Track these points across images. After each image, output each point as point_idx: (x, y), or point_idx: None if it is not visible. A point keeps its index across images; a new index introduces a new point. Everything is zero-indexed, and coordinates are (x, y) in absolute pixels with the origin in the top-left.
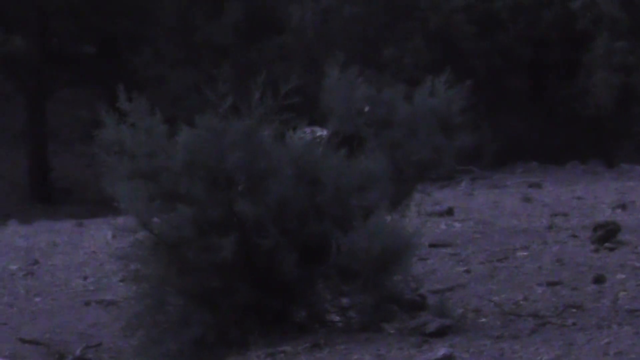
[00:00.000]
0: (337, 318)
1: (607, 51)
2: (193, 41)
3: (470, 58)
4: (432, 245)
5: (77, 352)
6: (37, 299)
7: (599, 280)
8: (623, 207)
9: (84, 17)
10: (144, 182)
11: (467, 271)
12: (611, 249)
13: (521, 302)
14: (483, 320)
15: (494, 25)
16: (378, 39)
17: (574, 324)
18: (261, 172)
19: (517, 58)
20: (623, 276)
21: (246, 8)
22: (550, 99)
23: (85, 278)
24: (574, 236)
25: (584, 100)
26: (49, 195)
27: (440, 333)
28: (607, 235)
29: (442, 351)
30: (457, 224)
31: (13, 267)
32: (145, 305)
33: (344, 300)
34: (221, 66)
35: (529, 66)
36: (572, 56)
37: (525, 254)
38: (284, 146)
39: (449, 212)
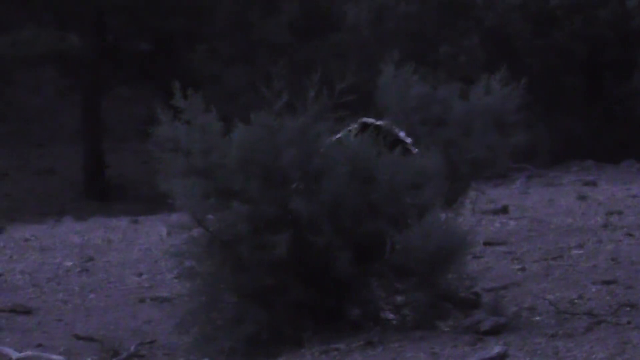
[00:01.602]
0: (391, 316)
1: None
2: (249, 39)
3: (525, 56)
4: (486, 244)
5: (132, 348)
6: (92, 296)
7: None
8: None
9: (139, 15)
10: (198, 179)
11: (522, 269)
12: None
13: (576, 301)
14: (537, 318)
15: (550, 23)
16: (433, 37)
17: (628, 322)
18: (316, 169)
19: (572, 56)
20: None
21: (302, 6)
22: (606, 98)
23: (139, 275)
24: (629, 235)
25: (639, 99)
26: (104, 192)
27: (495, 331)
28: None
29: (496, 349)
30: (511, 222)
31: (68, 263)
32: (199, 302)
33: (398, 299)
34: (277, 64)
35: (585, 65)
36: (628, 55)
37: (579, 252)
38: (339, 144)
39: (504, 210)
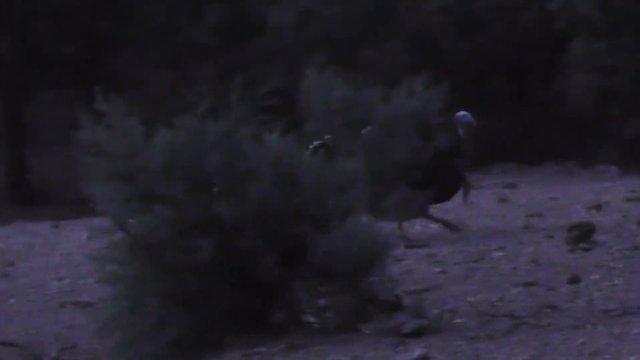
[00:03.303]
0: (313, 319)
1: (585, 53)
2: (173, 43)
3: (449, 59)
4: (408, 246)
5: (53, 353)
6: (12, 301)
7: (574, 280)
8: (598, 207)
9: (65, 19)
10: (121, 184)
11: (443, 272)
12: (586, 250)
13: (496, 303)
14: (459, 320)
15: (473, 26)
16: (357, 41)
17: (549, 324)
18: (240, 173)
19: (496, 59)
20: (598, 276)
21: (226, 10)
22: (529, 101)
23: (60, 280)
24: (550, 237)
25: (562, 101)
26: (27, 196)
27: (416, 333)
28: (582, 235)
29: (417, 352)
30: (433, 225)
31: None
32: (122, 306)
33: (321, 302)
34: (201, 68)
35: (509, 68)
36: (551, 58)
37: (500, 254)
38: (262, 147)
39: None
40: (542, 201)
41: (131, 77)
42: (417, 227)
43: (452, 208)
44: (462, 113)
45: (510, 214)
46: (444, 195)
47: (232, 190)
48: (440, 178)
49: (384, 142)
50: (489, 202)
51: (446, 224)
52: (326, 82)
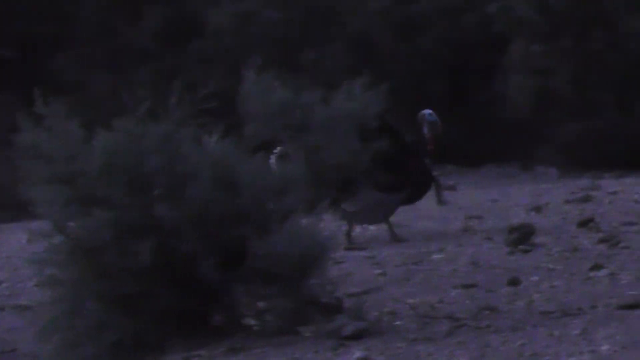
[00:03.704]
0: (253, 322)
1: (524, 55)
2: (112, 45)
3: (389, 62)
4: (348, 249)
5: None
6: None
7: (513, 282)
8: (537, 209)
9: (2, 20)
10: (60, 187)
11: (383, 274)
12: (525, 251)
13: (436, 305)
14: (398, 323)
15: (413, 29)
16: (297, 43)
17: (488, 326)
18: (180, 176)
19: (436, 62)
20: (537, 278)
21: (166, 12)
22: (469, 103)
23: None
24: (489, 239)
25: (501, 103)
26: None
27: (356, 336)
28: (521, 237)
29: (357, 354)
30: (372, 227)
31: None
32: (61, 309)
33: (262, 304)
34: (140, 70)
35: (449, 70)
36: (490, 60)
37: (440, 256)
38: (202, 150)
39: None
40: (481, 203)
41: (70, 79)
42: (356, 229)
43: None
44: (428, 111)
45: (450, 216)
46: (415, 196)
47: (172, 193)
48: (412, 179)
49: (323, 145)
50: (429, 204)
51: (392, 231)
52: (266, 84)
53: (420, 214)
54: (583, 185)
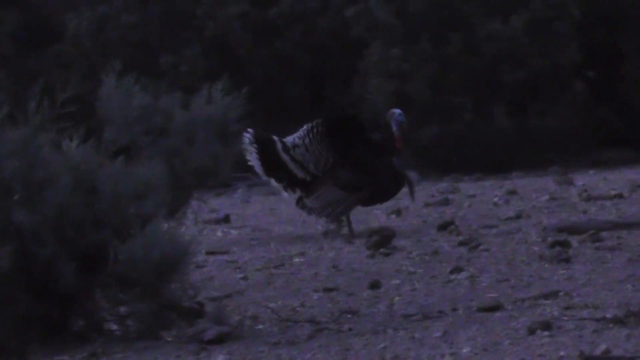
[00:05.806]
0: (115, 327)
1: (382, 58)
2: None
3: (247, 66)
4: (209, 253)
5: None
6: None
7: (374, 285)
8: (398, 212)
9: None
10: None
11: (244, 278)
12: (386, 255)
13: (298, 309)
14: (260, 327)
15: (271, 32)
16: (155, 47)
17: (350, 329)
18: (39, 180)
19: (294, 65)
20: (398, 281)
21: (23, 16)
22: (328, 106)
23: None
24: (349, 242)
25: (359, 107)
26: None
27: (218, 340)
28: (382, 240)
29: (219, 358)
30: (233, 232)
31: None
32: None
33: (122, 309)
34: None
35: (307, 74)
36: (349, 64)
37: (301, 260)
38: (61, 154)
39: (226, 219)
40: None
41: None
42: (218, 233)
43: (252, 214)
44: (397, 110)
45: (311, 219)
46: (377, 198)
47: (31, 198)
48: (374, 180)
49: (183, 149)
50: (289, 209)
51: (350, 228)
52: (125, 89)
53: (281, 218)
54: (442, 189)
